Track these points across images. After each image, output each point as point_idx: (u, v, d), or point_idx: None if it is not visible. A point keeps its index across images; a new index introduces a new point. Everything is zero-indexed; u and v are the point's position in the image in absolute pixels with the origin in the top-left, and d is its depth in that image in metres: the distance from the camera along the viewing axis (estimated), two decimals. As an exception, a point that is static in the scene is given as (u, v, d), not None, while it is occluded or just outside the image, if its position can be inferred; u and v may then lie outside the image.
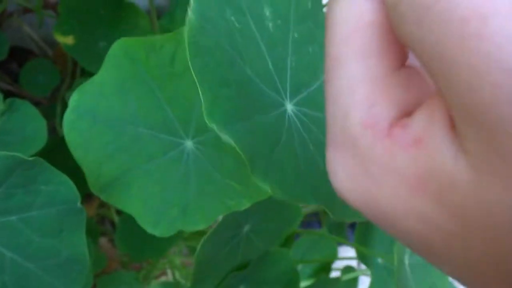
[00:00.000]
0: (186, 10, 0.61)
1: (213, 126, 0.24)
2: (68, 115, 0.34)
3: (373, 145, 0.16)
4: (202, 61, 0.24)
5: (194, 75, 0.24)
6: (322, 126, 0.32)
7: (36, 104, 0.79)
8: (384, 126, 0.16)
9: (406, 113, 0.16)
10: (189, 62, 0.24)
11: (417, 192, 0.15)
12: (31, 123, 0.46)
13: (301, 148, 0.30)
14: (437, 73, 0.14)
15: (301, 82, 0.32)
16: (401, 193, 0.15)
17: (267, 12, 0.31)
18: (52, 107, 0.73)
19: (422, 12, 0.13)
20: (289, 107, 0.31)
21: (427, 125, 0.15)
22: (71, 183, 0.34)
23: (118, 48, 0.35)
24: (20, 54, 0.84)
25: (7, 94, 0.77)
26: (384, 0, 0.16)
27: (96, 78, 0.35)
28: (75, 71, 0.73)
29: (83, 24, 0.68)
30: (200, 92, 0.24)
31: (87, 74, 0.70)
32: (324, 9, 0.35)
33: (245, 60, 0.28)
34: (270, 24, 0.31)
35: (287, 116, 0.30)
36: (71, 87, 0.69)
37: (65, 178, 0.35)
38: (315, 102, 0.32)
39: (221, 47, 0.26)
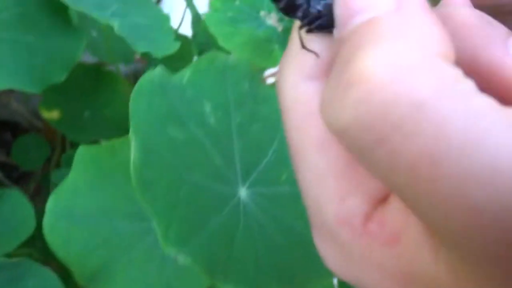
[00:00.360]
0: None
1: (171, 252, 0.26)
2: (46, 219, 0.36)
3: (352, 241, 0.16)
4: (152, 194, 0.27)
5: (147, 210, 0.26)
6: (278, 200, 0.34)
7: (30, 173, 0.82)
8: (359, 222, 0.15)
9: (379, 200, 0.16)
10: (140, 200, 0.26)
11: (409, 277, 0.15)
12: (20, 212, 0.48)
13: (259, 232, 0.32)
14: (401, 199, 0.13)
15: (251, 163, 0.34)
16: (388, 286, 0.15)
17: (207, 108, 0.33)
18: (45, 177, 0.76)
19: (368, 153, 0.12)
20: (243, 192, 0.33)
21: (402, 220, 0.15)
22: (55, 278, 0.37)
23: (83, 153, 0.37)
24: (12, 125, 0.87)
25: (1, 165, 0.80)
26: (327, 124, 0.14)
27: (68, 180, 0.37)
28: (65, 139, 0.75)
29: (66, 97, 0.71)
30: (155, 223, 0.26)
31: (76, 144, 0.73)
32: (265, 84, 0.38)
33: (192, 169, 0.30)
34: (212, 120, 0.33)
35: (241, 204, 0.32)
36: (61, 156, 0.72)
37: (50, 274, 0.37)
38: (267, 178, 0.34)
39: (167, 171, 0.28)
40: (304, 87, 0.16)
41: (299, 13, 0.15)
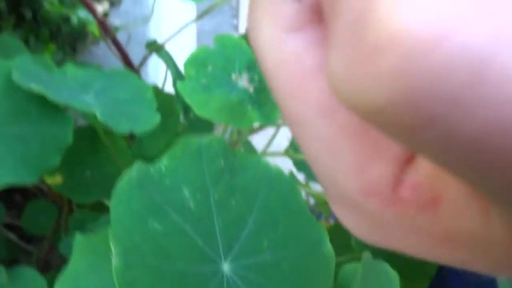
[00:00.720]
0: (153, 137, 0.65)
1: None
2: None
3: (383, 210, 0.13)
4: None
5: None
6: (261, 269, 0.36)
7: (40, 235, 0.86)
8: (388, 189, 0.13)
9: (407, 160, 0.13)
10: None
11: (450, 247, 0.13)
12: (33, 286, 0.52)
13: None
14: (454, 174, 0.11)
15: (232, 237, 0.37)
16: (430, 247, 0.14)
17: (186, 193, 0.36)
18: (57, 235, 0.80)
19: (413, 135, 0.10)
20: (226, 267, 0.36)
21: (439, 180, 0.13)
22: None
23: (81, 242, 0.40)
24: (20, 188, 0.91)
25: (11, 228, 0.84)
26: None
27: (70, 266, 0.40)
28: (71, 200, 0.79)
29: (67, 161, 0.74)
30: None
31: (81, 205, 0.76)
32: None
33: (174, 258, 0.33)
34: (191, 203, 0.36)
35: (225, 280, 0.35)
36: (69, 217, 0.76)
37: None
38: (249, 249, 0.37)
39: (149, 267, 0.31)
40: (289, 43, 0.13)
41: None
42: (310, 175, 0.63)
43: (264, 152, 0.73)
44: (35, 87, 0.44)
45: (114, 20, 0.85)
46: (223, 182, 0.39)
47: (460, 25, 0.08)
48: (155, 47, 0.61)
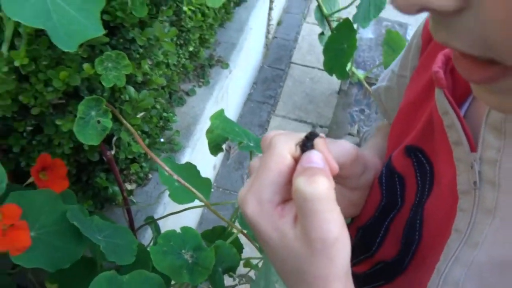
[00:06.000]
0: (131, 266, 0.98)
1: None
2: None
3: (270, 209, 0.39)
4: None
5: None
6: None
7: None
8: (275, 205, 0.39)
9: (284, 201, 0.40)
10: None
11: (278, 230, 0.39)
12: None
13: None
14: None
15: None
16: (274, 226, 0.39)
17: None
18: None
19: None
20: None
21: (288, 211, 0.39)
22: None
23: None
24: (23, 289, 1.22)
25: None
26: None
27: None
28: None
29: (64, 276, 1.06)
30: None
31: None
32: None
33: None
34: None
35: None
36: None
37: None
38: None
39: None
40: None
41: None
42: None
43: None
44: (76, 224, 0.81)
45: (136, 197, 1.25)
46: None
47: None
48: (151, 222, 0.99)
